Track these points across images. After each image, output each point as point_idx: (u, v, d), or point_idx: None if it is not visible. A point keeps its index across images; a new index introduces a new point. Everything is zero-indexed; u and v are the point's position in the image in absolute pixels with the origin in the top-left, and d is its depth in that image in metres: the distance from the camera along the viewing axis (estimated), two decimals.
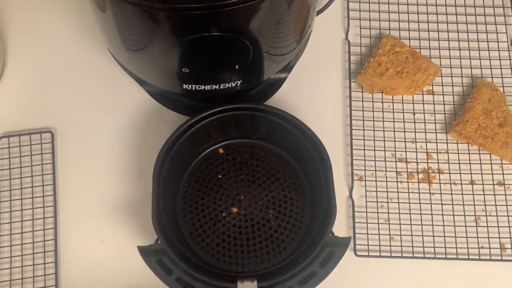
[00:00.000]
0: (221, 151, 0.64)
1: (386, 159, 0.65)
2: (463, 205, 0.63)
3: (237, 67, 0.52)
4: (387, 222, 0.62)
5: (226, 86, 0.55)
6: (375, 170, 0.64)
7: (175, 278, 0.52)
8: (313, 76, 0.69)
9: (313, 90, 0.68)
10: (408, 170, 0.65)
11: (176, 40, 0.47)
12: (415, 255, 0.61)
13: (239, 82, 0.55)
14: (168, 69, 0.53)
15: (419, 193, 0.64)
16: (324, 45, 0.70)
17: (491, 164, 0.65)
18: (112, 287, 0.61)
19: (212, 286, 0.52)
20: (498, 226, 0.62)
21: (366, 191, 0.64)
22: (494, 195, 0.64)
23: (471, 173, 0.65)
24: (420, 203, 0.63)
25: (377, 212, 0.63)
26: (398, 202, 0.63)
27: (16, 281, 0.60)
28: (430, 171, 0.65)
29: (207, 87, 0.55)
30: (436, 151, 0.65)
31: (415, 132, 0.66)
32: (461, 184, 0.64)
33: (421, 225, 0.62)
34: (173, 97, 0.67)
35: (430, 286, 0.61)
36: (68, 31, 0.70)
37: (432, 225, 0.62)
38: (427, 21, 0.71)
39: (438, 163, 0.65)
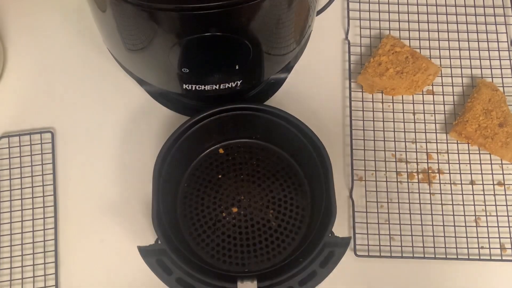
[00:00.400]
0: (221, 151, 0.64)
1: (386, 159, 0.65)
2: (463, 205, 0.63)
3: (237, 67, 0.52)
4: (387, 222, 0.62)
5: (226, 86, 0.55)
6: (375, 170, 0.64)
7: (175, 278, 0.52)
8: (313, 76, 0.69)
9: (313, 90, 0.68)
10: (408, 170, 0.65)
11: (176, 40, 0.47)
12: (415, 255, 0.61)
13: (239, 82, 0.55)
14: (168, 69, 0.53)
15: (419, 193, 0.64)
16: (324, 45, 0.70)
17: (491, 164, 0.65)
18: (112, 287, 0.61)
19: (212, 286, 0.52)
20: (498, 226, 0.62)
21: (366, 191, 0.64)
22: (494, 195, 0.64)
23: (471, 173, 0.65)
24: (420, 203, 0.63)
25: (377, 212, 0.63)
26: (398, 202, 0.63)
27: (16, 281, 0.60)
28: (430, 171, 0.65)
29: (207, 87, 0.55)
30: (436, 151, 0.65)
31: (415, 132, 0.66)
32: (461, 184, 0.64)
33: (421, 225, 0.62)
34: (173, 97, 0.67)
35: (430, 286, 0.61)
36: (68, 31, 0.70)
37: (432, 225, 0.62)
38: (427, 21, 0.71)
39: (438, 163, 0.65)
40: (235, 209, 0.61)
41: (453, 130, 0.65)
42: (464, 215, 0.63)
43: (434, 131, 0.66)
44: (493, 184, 0.64)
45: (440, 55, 0.69)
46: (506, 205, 0.63)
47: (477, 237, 0.62)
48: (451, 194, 0.64)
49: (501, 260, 0.61)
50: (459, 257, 0.61)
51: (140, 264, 0.53)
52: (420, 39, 0.70)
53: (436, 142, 0.66)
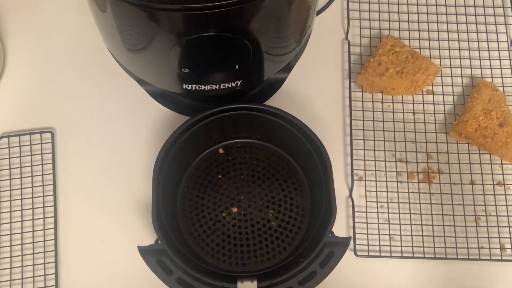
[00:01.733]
0: (221, 151, 0.64)
1: (386, 159, 0.65)
2: (463, 205, 0.63)
3: (237, 67, 0.52)
4: (387, 222, 0.62)
5: (226, 86, 0.55)
6: (375, 170, 0.64)
7: (175, 278, 0.52)
8: (313, 76, 0.69)
9: (313, 90, 0.68)
10: (408, 170, 0.65)
11: (176, 40, 0.47)
12: (415, 255, 0.61)
13: (239, 82, 0.55)
14: (168, 69, 0.53)
15: (419, 193, 0.64)
16: (324, 45, 0.70)
17: (491, 164, 0.65)
18: (112, 287, 0.61)
19: (212, 286, 0.52)
20: (498, 226, 0.62)
21: (366, 191, 0.64)
22: (494, 195, 0.64)
23: (471, 173, 0.65)
24: (420, 203, 0.63)
25: (377, 212, 0.63)
26: (398, 202, 0.63)
27: (16, 281, 0.60)
28: (430, 171, 0.65)
29: (207, 87, 0.55)
30: (436, 151, 0.65)
31: (415, 132, 0.66)
32: (461, 184, 0.64)
33: (421, 225, 0.62)
34: (173, 97, 0.67)
35: (430, 286, 0.61)
36: (68, 31, 0.70)
37: (432, 225, 0.62)
38: (427, 21, 0.71)
39: (438, 163, 0.65)
40: (235, 209, 0.61)
41: (453, 130, 0.65)
42: (464, 215, 0.63)
43: (434, 131, 0.66)
44: (493, 184, 0.64)
45: (440, 55, 0.69)
46: (506, 205, 0.63)
47: (477, 237, 0.62)
48: (451, 194, 0.64)
49: (501, 260, 0.61)
50: (459, 257, 0.61)
51: (140, 264, 0.53)
52: (420, 39, 0.70)
53: (436, 142, 0.66)
